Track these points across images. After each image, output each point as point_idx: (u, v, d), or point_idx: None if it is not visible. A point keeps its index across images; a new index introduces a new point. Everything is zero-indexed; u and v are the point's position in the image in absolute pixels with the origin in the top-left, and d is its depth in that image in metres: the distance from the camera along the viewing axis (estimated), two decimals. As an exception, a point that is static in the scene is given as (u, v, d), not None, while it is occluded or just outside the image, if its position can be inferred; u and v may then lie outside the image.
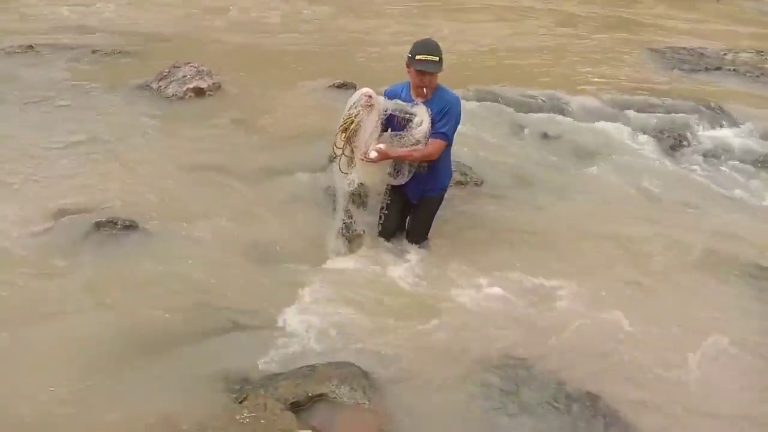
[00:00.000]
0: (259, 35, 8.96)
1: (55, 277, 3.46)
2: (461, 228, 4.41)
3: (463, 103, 6.49)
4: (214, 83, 6.38)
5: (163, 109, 5.85)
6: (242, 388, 2.85)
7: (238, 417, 2.62)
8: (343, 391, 2.86)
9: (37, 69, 6.86)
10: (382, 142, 3.59)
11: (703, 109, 6.91)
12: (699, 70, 8.49)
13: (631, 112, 6.72)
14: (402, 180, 3.79)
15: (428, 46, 3.57)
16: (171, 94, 6.10)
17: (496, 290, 3.72)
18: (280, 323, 3.38)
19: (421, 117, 3.58)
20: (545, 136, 6.06)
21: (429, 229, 4.09)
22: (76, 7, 10.00)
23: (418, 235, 4.08)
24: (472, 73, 7.76)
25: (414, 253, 4.04)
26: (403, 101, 3.66)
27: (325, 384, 2.87)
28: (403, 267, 3.91)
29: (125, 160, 4.82)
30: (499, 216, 4.59)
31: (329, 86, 6.77)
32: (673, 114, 6.74)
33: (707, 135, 6.51)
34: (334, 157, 3.77)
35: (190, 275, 3.62)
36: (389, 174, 3.79)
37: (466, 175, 5.02)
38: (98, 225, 3.82)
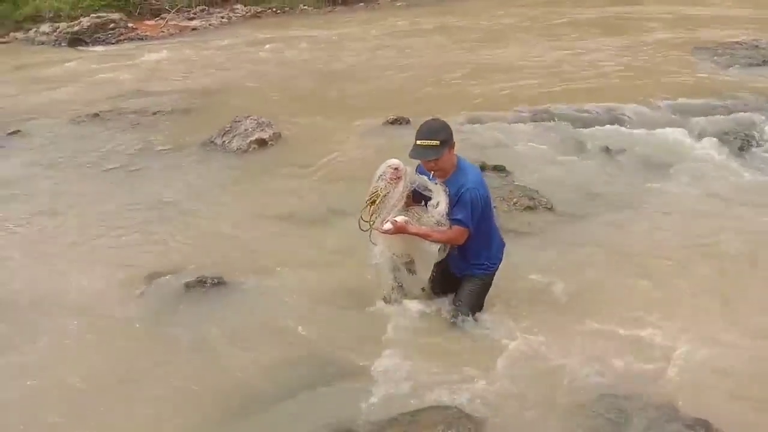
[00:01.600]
0: (304, 80, 9.22)
1: (157, 336, 3.61)
2: (540, 256, 4.37)
3: (515, 126, 6.74)
4: (274, 133, 6.60)
5: (230, 163, 6.07)
6: (348, 438, 2.89)
7: (352, 469, 2.65)
8: (450, 435, 2.87)
9: (105, 136, 7.23)
10: (411, 214, 3.37)
11: (768, 104, 6.73)
12: (757, 64, 8.26)
13: (691, 117, 6.60)
14: (441, 255, 3.55)
15: (425, 131, 3.27)
16: (236, 148, 6.32)
17: (587, 321, 3.67)
18: (373, 371, 3.40)
19: (437, 198, 3.34)
20: (607, 150, 6.01)
21: (473, 306, 3.65)
22: (132, 72, 10.53)
23: (462, 309, 3.65)
24: (518, 92, 7.78)
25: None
26: (431, 177, 3.40)
27: (431, 429, 2.88)
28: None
29: (202, 217, 5.02)
30: (575, 239, 4.55)
31: (383, 123, 6.90)
32: (736, 114, 6.61)
33: (776, 132, 6.33)
34: (363, 230, 3.45)
35: (281, 327, 3.71)
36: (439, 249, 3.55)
37: (534, 199, 5.02)
38: (188, 285, 3.98)
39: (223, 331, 3.64)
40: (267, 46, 11.72)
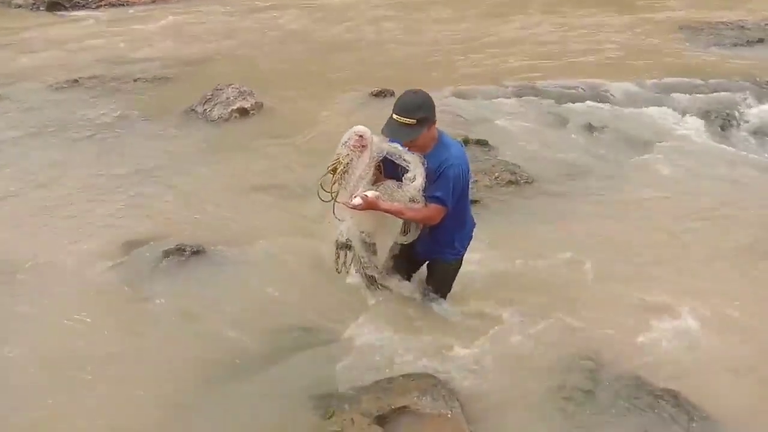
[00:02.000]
0: (291, 50, 9.09)
1: (138, 304, 3.60)
2: (518, 228, 4.40)
3: (500, 101, 6.73)
4: (256, 102, 6.51)
5: (210, 132, 6.00)
6: (327, 405, 2.92)
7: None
8: (425, 402, 2.90)
9: (85, 103, 7.07)
10: (383, 188, 3.08)
11: (750, 85, 6.77)
12: (741, 45, 8.30)
13: (675, 95, 6.64)
14: (409, 238, 3.30)
15: (402, 105, 2.92)
16: (216, 117, 6.24)
17: (562, 295, 3.71)
18: (351, 338, 3.44)
19: (414, 171, 3.02)
20: (590, 126, 6.02)
21: (446, 291, 3.52)
22: (113, 38, 10.31)
23: (434, 297, 3.54)
24: (507, 67, 7.75)
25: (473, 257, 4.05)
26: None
27: (406, 396, 2.92)
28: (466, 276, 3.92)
29: (182, 186, 4.96)
30: (555, 213, 4.58)
31: (368, 95, 6.84)
32: (719, 93, 6.64)
33: (756, 112, 6.38)
34: (323, 200, 3.15)
35: (261, 296, 3.72)
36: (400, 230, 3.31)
37: (515, 174, 5.03)
38: (167, 253, 3.95)
39: (202, 298, 3.64)
40: (258, 14, 11.49)
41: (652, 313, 3.54)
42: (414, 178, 3.03)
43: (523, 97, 6.53)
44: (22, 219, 4.59)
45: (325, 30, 10.13)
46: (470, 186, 3.28)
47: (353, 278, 3.50)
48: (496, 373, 3.20)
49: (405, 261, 3.51)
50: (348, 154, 3.04)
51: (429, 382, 3.02)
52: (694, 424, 2.89)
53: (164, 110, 6.61)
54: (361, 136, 3.02)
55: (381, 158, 3.07)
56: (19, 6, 13.88)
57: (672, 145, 5.73)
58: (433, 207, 3.06)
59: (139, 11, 12.82)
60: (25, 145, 5.98)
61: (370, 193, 3.00)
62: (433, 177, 3.02)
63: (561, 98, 6.58)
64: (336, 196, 3.10)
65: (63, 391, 3.09)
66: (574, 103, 6.50)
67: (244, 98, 6.48)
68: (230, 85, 6.62)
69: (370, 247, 3.34)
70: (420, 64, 8.10)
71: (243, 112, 6.34)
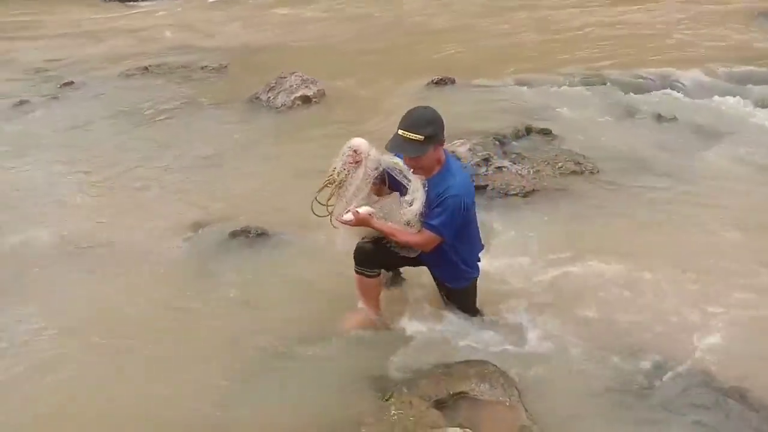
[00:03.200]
0: (354, 38, 9.16)
1: (204, 280, 3.74)
2: (582, 221, 4.31)
3: (565, 90, 6.59)
4: (318, 90, 6.61)
5: (274, 119, 6.13)
6: (385, 387, 2.95)
7: (387, 415, 2.72)
8: (484, 389, 2.90)
9: (154, 89, 7.36)
10: (380, 205, 3.00)
11: (834, 74, 6.40)
12: (825, 33, 7.85)
13: (750, 85, 6.33)
14: (409, 253, 3.12)
15: (409, 120, 2.79)
16: (280, 104, 6.37)
17: (621, 289, 3.62)
18: (410, 324, 3.45)
19: (413, 194, 2.89)
20: (659, 117, 5.82)
21: (472, 309, 3.37)
22: (180, 28, 10.64)
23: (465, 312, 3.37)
24: (573, 55, 7.58)
25: (532, 250, 4.00)
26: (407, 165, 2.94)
27: (464, 382, 2.92)
28: (525, 267, 3.87)
29: (247, 171, 5.10)
30: (619, 205, 4.46)
31: (428, 83, 6.83)
32: (799, 84, 6.29)
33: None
34: (316, 214, 3.05)
35: (321, 278, 3.78)
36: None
37: (580, 164, 4.92)
38: (234, 234, 4.09)
39: (264, 278, 3.74)
40: (320, 3, 11.63)
41: (717, 313, 3.40)
42: (412, 202, 2.90)
43: (589, 86, 6.38)
44: (98, 198, 4.83)
45: (388, 17, 10.16)
46: (476, 211, 3.11)
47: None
48: (555, 365, 3.15)
49: (400, 260, 3.23)
50: (343, 169, 2.95)
51: (487, 370, 3.01)
52: (765, 425, 2.78)
53: (230, 97, 6.79)
54: (355, 150, 2.93)
55: (379, 172, 2.96)
56: (92, -4, 14.47)
57: (745, 137, 5.47)
58: (428, 235, 2.91)
59: (205, 2, 13.17)
60: (99, 130, 6.28)
61: (364, 210, 2.90)
62: (434, 203, 2.87)
63: (629, 87, 6.39)
64: (332, 211, 3.01)
65: (128, 356, 3.25)
66: (642, 92, 6.30)
67: (306, 86, 6.59)
68: (293, 73, 6.74)
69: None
70: (484, 51, 8.03)
71: (306, 100, 6.44)
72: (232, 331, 3.38)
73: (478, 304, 3.38)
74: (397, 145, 2.82)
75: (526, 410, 2.85)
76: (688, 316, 3.43)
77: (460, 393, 2.88)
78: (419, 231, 2.92)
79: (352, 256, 3.19)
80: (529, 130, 5.45)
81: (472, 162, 4.77)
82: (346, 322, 3.38)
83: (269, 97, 6.53)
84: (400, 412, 2.75)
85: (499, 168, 4.76)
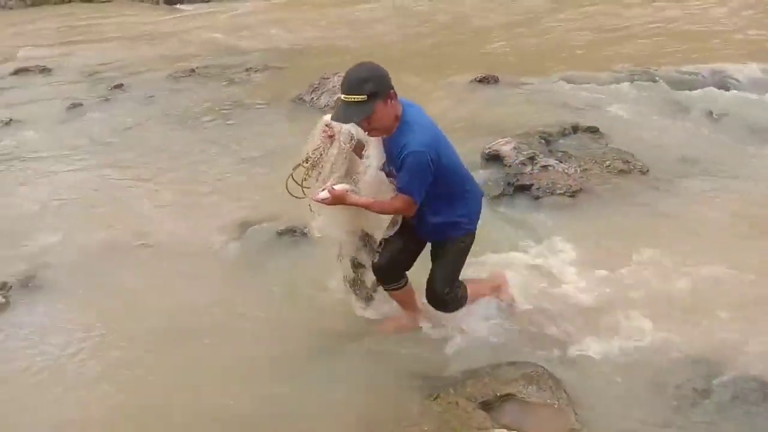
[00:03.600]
0: (396, 36, 9.17)
1: (253, 277, 3.81)
2: (631, 221, 4.22)
3: (613, 87, 6.44)
4: (361, 90, 6.62)
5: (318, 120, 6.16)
6: (431, 386, 2.95)
7: (433, 414, 2.72)
8: (531, 391, 2.86)
9: (201, 91, 7.51)
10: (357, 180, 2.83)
11: None
12: None
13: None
14: (391, 231, 3.03)
15: (347, 82, 2.59)
16: (323, 105, 6.41)
17: (672, 292, 3.52)
18: (457, 323, 3.43)
19: (369, 159, 2.78)
20: (711, 114, 5.66)
21: (454, 275, 3.10)
22: (226, 30, 10.83)
23: (436, 282, 3.07)
24: (621, 52, 7.42)
25: (579, 250, 3.93)
26: None
27: (511, 384, 2.89)
28: (572, 267, 3.80)
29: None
30: (669, 207, 4.34)
31: (471, 81, 6.79)
32: None
33: None
34: (291, 195, 2.94)
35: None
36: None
37: (628, 162, 4.81)
38: (280, 233, 4.16)
39: (311, 276, 3.76)
40: (359, 5, 11.68)
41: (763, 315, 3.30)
42: (368, 167, 2.77)
43: (638, 83, 6.24)
44: (149, 197, 4.95)
45: (433, 14, 10.13)
46: (456, 163, 2.86)
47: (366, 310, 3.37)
48: (604, 369, 3.09)
49: (402, 248, 3.08)
50: (318, 146, 2.85)
51: (535, 372, 2.97)
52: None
53: (274, 98, 6.88)
54: (327, 125, 2.82)
55: (352, 144, 2.82)
56: (141, 1, 14.88)
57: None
58: (400, 198, 2.75)
59: (249, 5, 13.37)
60: (148, 130, 6.44)
61: (339, 186, 2.74)
62: (397, 164, 2.69)
63: (679, 84, 6.23)
64: (309, 191, 2.87)
65: (182, 348, 3.33)
66: (693, 89, 6.14)
67: (347, 85, 6.61)
68: (336, 73, 6.76)
69: (366, 241, 3.10)
70: (524, 46, 7.95)
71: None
72: (279, 328, 3.42)
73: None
74: (342, 113, 2.62)
75: (576, 413, 2.81)
76: (742, 319, 3.32)
77: (507, 395, 2.86)
78: (394, 197, 2.77)
79: (376, 279, 3.17)
80: (575, 128, 5.37)
81: (517, 161, 4.72)
82: (386, 325, 3.37)
83: (312, 98, 6.59)
84: (446, 413, 2.75)
85: (545, 167, 4.69)
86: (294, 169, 2.89)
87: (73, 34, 11.78)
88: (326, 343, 3.28)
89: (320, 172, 2.84)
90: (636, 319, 3.34)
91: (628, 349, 3.17)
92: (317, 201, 2.78)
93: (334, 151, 2.82)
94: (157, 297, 3.75)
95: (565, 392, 2.90)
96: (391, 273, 3.14)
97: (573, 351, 3.18)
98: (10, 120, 6.86)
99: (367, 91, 2.55)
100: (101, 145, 6.09)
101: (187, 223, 4.47)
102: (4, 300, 3.70)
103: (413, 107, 2.78)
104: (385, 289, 3.23)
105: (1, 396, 3.11)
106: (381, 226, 3.07)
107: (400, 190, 2.73)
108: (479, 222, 3.07)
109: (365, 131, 2.70)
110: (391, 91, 2.62)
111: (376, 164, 2.78)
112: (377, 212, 2.88)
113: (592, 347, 3.17)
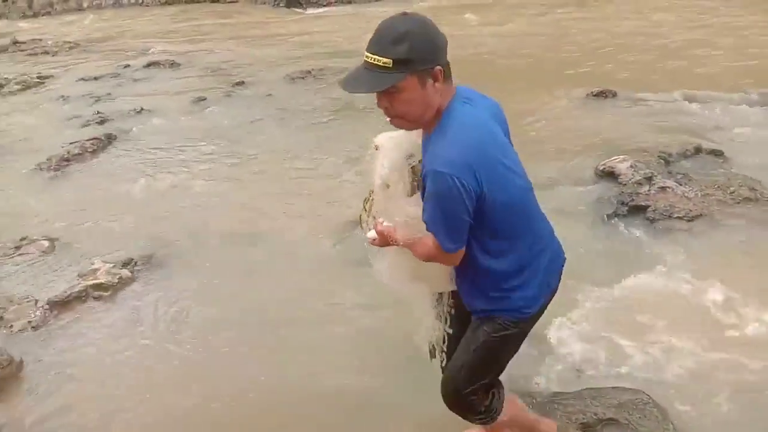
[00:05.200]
0: (506, 44, 9.06)
1: (357, 278, 3.85)
2: (755, 253, 3.93)
3: (741, 108, 6.05)
4: (471, 98, 6.61)
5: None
6: (530, 403, 2.89)
7: (531, 431, 2.67)
8: (635, 419, 2.75)
9: (315, 92, 7.78)
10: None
11: None
12: None
13: None
14: (451, 285, 2.17)
15: (375, 36, 1.80)
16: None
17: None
18: (554, 340, 3.36)
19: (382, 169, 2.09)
20: None
21: (472, 372, 2.15)
22: (342, 33, 11.14)
23: (450, 369, 2.22)
24: (752, 71, 6.96)
25: (696, 279, 3.71)
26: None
27: (614, 409, 2.79)
28: (686, 297, 3.61)
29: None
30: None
31: (587, 95, 6.61)
32: None
33: None
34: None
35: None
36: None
37: (755, 190, 4.50)
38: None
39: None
40: (488, 16, 11.64)
41: None
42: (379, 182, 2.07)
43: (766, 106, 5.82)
44: (261, 190, 5.19)
45: (555, 30, 9.94)
46: (528, 195, 2.04)
47: None
48: (720, 403, 2.92)
49: (459, 313, 2.25)
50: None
51: (640, 399, 2.85)
52: None
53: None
54: (376, 147, 2.13)
55: (410, 163, 2.04)
56: (264, 3, 15.62)
57: None
58: (427, 239, 1.91)
59: (366, 6, 13.69)
60: (265, 126, 6.76)
61: (387, 222, 2.03)
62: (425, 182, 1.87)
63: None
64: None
65: (283, 343, 3.44)
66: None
67: (460, 93, 6.62)
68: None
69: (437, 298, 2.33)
70: (646, 61, 7.63)
71: (457, 107, 6.47)
72: (374, 328, 3.47)
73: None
74: (354, 78, 1.82)
75: (682, 448, 2.67)
76: None
77: (610, 419, 2.76)
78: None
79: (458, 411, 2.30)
80: (698, 150, 5.09)
81: (633, 180, 4.54)
82: None
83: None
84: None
85: (663, 188, 4.48)
86: (366, 203, 2.22)
87: (200, 33, 12.55)
88: (418, 347, 3.29)
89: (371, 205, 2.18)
90: (756, 355, 3.13)
91: (748, 385, 2.97)
92: (370, 242, 2.09)
93: (379, 173, 2.07)
94: (268, 284, 3.92)
95: (672, 424, 2.77)
96: (471, 403, 2.21)
97: (684, 381, 3.02)
98: (141, 109, 7.43)
99: (398, 55, 1.73)
100: (220, 138, 6.45)
101: (298, 217, 4.65)
102: (130, 274, 4.01)
103: (471, 102, 1.91)
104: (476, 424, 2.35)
105: (132, 355, 3.40)
106: (442, 276, 2.16)
107: (427, 226, 1.89)
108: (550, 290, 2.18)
109: (387, 116, 1.88)
110: (438, 66, 1.79)
111: (404, 185, 2.03)
112: (417, 257, 1.99)
113: (708, 379, 3.00)
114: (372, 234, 2.06)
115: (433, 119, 1.87)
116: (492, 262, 1.98)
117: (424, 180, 1.85)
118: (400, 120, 1.87)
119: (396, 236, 1.97)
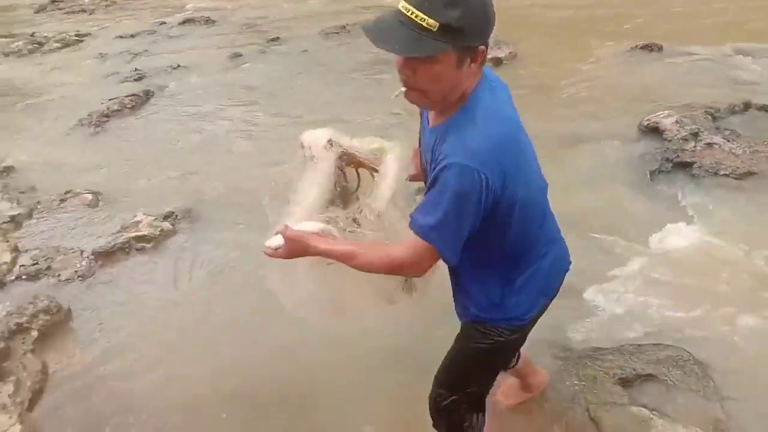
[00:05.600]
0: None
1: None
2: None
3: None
4: (510, 52, 6.46)
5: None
6: (568, 357, 2.89)
7: (569, 383, 2.68)
8: (675, 375, 2.74)
9: (350, 46, 7.66)
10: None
11: None
12: None
13: None
14: (402, 294, 1.97)
15: None
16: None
17: None
18: (594, 296, 3.33)
19: (383, 172, 1.84)
20: None
21: (457, 378, 2.00)
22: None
23: (439, 375, 2.05)
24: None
25: (744, 238, 3.59)
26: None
27: (653, 365, 2.78)
28: (732, 255, 3.50)
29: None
30: None
31: (631, 48, 6.39)
32: None
33: None
34: None
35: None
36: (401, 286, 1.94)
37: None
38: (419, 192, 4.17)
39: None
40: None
41: None
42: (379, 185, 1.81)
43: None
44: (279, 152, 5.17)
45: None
46: (545, 195, 1.85)
47: None
48: (761, 362, 2.87)
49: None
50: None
51: (681, 356, 2.83)
52: None
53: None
54: (329, 141, 1.90)
55: (340, 162, 1.87)
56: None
57: None
58: (406, 245, 1.60)
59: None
60: (300, 82, 6.72)
61: (305, 226, 1.70)
62: (430, 177, 1.59)
63: None
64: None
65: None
66: None
67: (498, 47, 6.46)
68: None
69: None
70: (696, 13, 7.31)
71: (497, 62, 6.32)
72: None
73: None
74: (385, 31, 1.49)
75: (722, 405, 2.64)
76: None
77: (649, 375, 2.75)
78: (399, 242, 1.65)
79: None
80: (747, 106, 4.90)
81: (678, 136, 4.40)
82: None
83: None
84: (582, 383, 2.70)
85: (710, 144, 4.33)
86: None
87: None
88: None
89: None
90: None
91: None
92: (268, 255, 1.71)
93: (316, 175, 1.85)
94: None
95: (713, 381, 2.74)
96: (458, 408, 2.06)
97: (726, 337, 2.97)
98: (178, 65, 7.45)
99: (448, 20, 1.43)
100: (256, 93, 6.44)
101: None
102: (171, 227, 4.09)
103: (495, 90, 1.66)
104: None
105: (171, 308, 3.49)
106: (373, 291, 1.89)
107: (412, 225, 1.59)
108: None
109: (404, 83, 1.58)
110: (482, 47, 1.53)
111: (387, 188, 1.81)
112: (356, 265, 1.65)
113: (749, 334, 2.95)
114: (276, 242, 1.65)
115: (455, 103, 1.60)
116: (493, 267, 1.78)
117: (434, 172, 1.55)
118: (419, 95, 1.58)
119: (315, 245, 1.65)
